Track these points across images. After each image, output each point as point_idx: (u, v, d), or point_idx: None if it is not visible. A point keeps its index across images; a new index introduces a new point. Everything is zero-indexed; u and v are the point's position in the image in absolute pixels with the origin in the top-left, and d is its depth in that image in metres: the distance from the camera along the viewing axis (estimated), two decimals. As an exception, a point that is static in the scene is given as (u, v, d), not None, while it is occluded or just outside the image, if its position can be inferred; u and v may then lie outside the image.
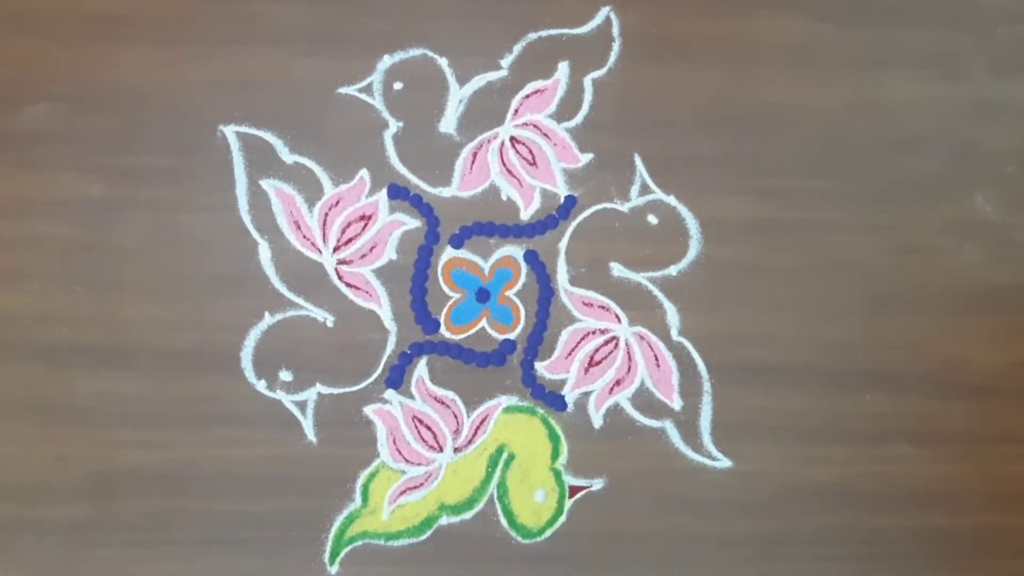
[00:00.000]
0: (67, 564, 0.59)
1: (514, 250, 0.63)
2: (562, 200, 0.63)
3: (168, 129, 0.62)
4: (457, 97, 0.63)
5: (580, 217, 0.63)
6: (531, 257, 0.62)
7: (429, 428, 0.61)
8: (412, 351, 0.61)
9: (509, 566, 0.60)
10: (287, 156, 0.62)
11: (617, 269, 0.62)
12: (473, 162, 0.63)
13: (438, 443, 0.61)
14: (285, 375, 0.61)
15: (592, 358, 0.62)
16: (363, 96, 0.63)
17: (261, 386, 0.60)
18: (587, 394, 0.62)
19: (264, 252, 0.61)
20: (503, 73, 0.63)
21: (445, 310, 0.62)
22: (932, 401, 0.62)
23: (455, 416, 0.61)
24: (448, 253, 0.62)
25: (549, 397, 0.61)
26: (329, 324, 0.61)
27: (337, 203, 0.62)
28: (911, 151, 0.64)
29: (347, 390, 0.61)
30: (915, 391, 0.62)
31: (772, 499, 0.61)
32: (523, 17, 0.63)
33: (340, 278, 0.62)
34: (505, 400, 0.61)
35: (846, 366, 0.62)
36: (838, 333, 0.62)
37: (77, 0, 0.62)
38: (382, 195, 0.62)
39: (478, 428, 0.61)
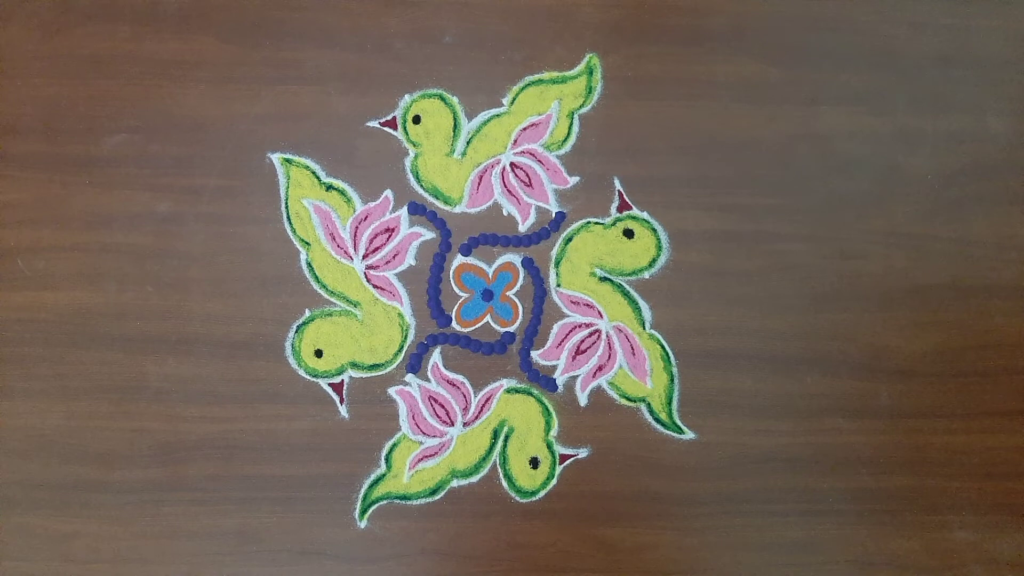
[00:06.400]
0: (140, 518, 0.63)
1: (514, 257, 0.65)
2: (553, 215, 0.65)
3: (224, 155, 0.65)
4: (466, 129, 0.65)
5: (568, 229, 0.65)
6: (528, 263, 0.65)
7: (442, 406, 0.64)
8: (428, 341, 0.64)
9: (509, 520, 0.64)
10: (324, 178, 0.65)
11: (599, 273, 0.65)
12: (479, 183, 0.65)
13: (450, 418, 0.64)
14: (322, 361, 0.64)
15: (579, 347, 0.64)
16: (387, 128, 0.65)
17: (302, 370, 0.64)
18: (574, 377, 0.64)
19: (304, 258, 0.64)
20: (505, 109, 0.66)
21: (456, 307, 0.65)
22: (862, 383, 0.65)
23: (464, 396, 0.64)
24: (458, 259, 0.65)
25: (543, 380, 0.64)
26: (359, 318, 0.64)
27: (366, 218, 0.64)
28: (845, 173, 0.66)
29: (374, 374, 0.64)
30: (847, 374, 0.65)
31: (728, 464, 0.64)
32: (522, 62, 0.65)
33: (368, 280, 0.64)
34: (506, 382, 0.64)
35: (790, 353, 0.65)
36: (784, 325, 0.65)
37: (148, 47, 0.65)
38: (403, 211, 0.65)
39: (483, 406, 0.64)
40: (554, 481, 0.64)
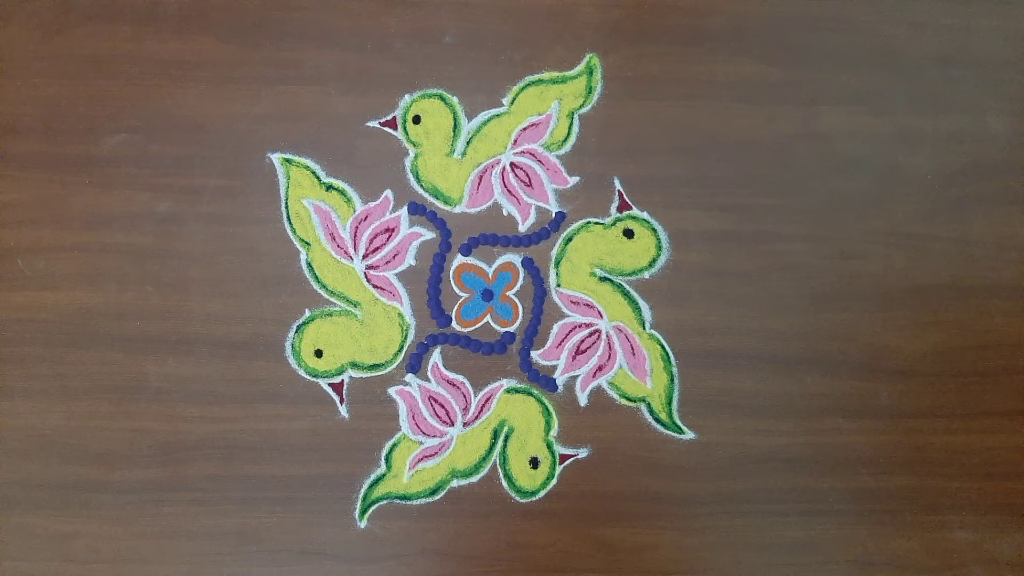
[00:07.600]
0: (140, 518, 0.64)
1: (513, 257, 0.65)
2: (553, 215, 0.66)
3: (224, 155, 0.65)
4: (466, 129, 0.66)
5: (569, 229, 0.66)
6: (528, 263, 0.65)
7: (442, 406, 0.64)
8: (428, 341, 0.65)
9: (509, 520, 0.64)
10: (324, 178, 0.65)
11: (599, 273, 0.66)
12: (479, 183, 0.65)
13: (450, 418, 0.64)
14: (322, 361, 0.64)
15: (579, 347, 0.65)
16: (387, 128, 0.66)
17: (302, 370, 0.64)
18: (574, 377, 0.65)
19: (304, 258, 0.65)
20: (505, 109, 0.66)
21: (456, 307, 0.65)
22: (862, 383, 0.65)
23: (464, 396, 0.65)
24: (458, 259, 0.65)
25: (543, 380, 0.65)
26: (359, 318, 0.65)
27: (366, 218, 0.65)
28: (845, 173, 0.66)
29: (374, 374, 0.65)
30: (847, 374, 0.65)
31: (728, 464, 0.65)
32: (522, 62, 0.66)
33: (368, 280, 0.65)
34: (506, 382, 0.65)
35: (790, 353, 0.65)
36: (784, 325, 0.65)
37: (148, 47, 0.66)
38: (403, 211, 0.65)
39: (483, 406, 0.64)
40: (554, 481, 0.65)
